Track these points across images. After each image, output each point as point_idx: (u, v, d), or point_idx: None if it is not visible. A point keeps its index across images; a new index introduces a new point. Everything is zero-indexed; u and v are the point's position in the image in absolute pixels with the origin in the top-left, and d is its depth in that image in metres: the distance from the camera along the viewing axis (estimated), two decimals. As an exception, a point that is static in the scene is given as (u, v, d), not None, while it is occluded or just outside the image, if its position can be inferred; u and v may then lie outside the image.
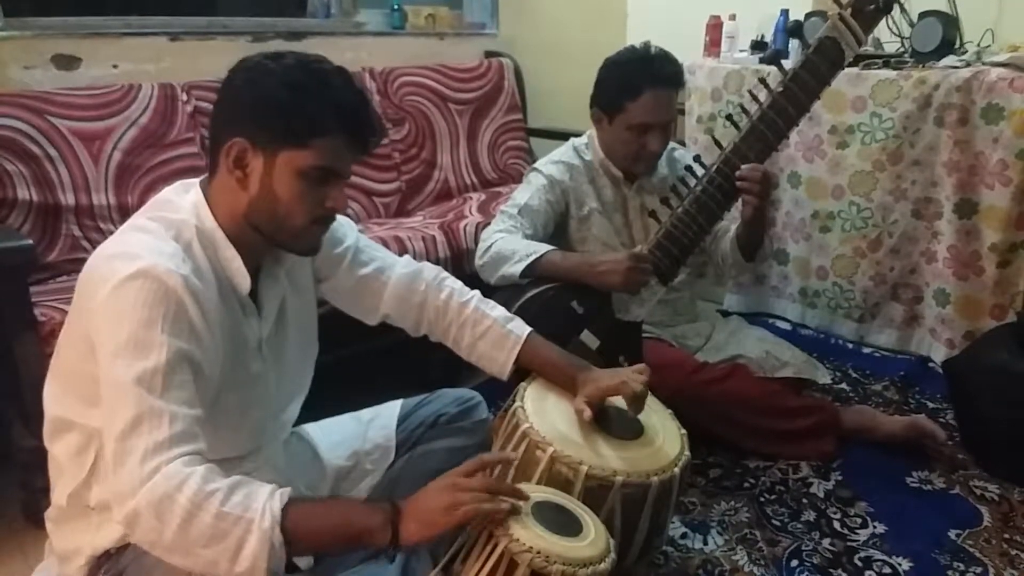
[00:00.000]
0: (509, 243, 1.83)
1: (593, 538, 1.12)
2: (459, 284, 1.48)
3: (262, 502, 0.98)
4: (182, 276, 1.07)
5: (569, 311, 1.79)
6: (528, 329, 1.44)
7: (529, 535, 1.06)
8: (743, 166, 1.75)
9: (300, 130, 1.12)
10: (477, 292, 1.48)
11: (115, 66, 2.39)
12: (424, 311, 1.45)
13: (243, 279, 1.18)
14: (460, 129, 3.12)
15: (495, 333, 1.42)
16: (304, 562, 1.29)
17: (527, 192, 1.99)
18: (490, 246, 1.85)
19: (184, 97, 2.36)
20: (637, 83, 1.88)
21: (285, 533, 0.98)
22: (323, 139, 1.13)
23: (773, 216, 2.82)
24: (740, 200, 1.81)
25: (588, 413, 1.33)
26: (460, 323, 1.43)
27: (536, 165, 2.08)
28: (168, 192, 1.21)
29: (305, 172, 1.14)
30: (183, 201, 1.18)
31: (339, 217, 1.43)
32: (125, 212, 2.17)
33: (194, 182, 1.21)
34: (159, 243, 1.10)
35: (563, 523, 1.12)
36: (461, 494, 1.05)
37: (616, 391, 1.36)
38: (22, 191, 2.02)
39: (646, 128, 1.92)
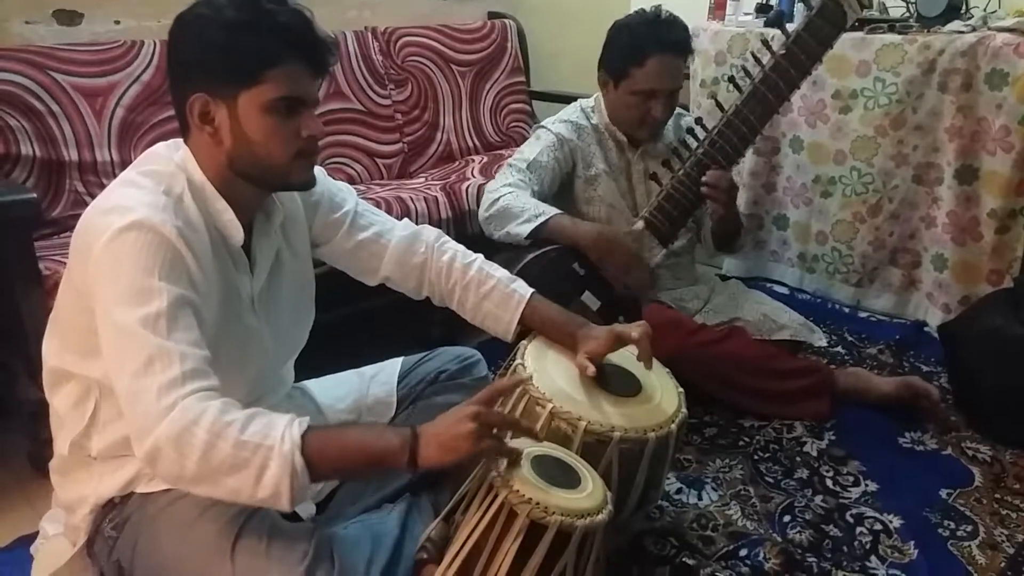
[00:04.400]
0: (518, 200, 1.82)
1: (591, 491, 1.14)
2: (461, 247, 1.49)
3: (281, 429, 1.01)
4: (176, 227, 1.08)
5: (571, 272, 1.80)
6: (531, 290, 1.46)
7: (528, 487, 1.09)
8: (709, 171, 1.75)
9: (250, 67, 1.11)
10: (480, 255, 1.49)
11: (117, 22, 2.38)
12: (425, 272, 1.45)
13: (236, 231, 1.19)
14: (463, 91, 3.10)
15: (499, 293, 1.43)
16: (306, 511, 1.32)
17: (536, 147, 1.98)
18: (497, 199, 1.84)
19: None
20: (643, 48, 1.87)
21: (306, 457, 1.00)
22: (275, 69, 1.12)
23: (773, 181, 2.82)
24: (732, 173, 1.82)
25: (591, 368, 1.35)
26: (464, 284, 1.44)
27: (544, 123, 2.07)
28: (158, 147, 1.22)
29: (270, 106, 1.13)
30: (173, 156, 1.19)
31: (339, 182, 1.45)
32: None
33: (182, 141, 1.22)
34: (151, 197, 1.10)
35: (562, 476, 1.15)
36: (483, 426, 1.07)
37: (615, 341, 1.38)
38: (25, 146, 2.02)
39: (651, 94, 1.91)
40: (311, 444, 1.01)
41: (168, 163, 1.17)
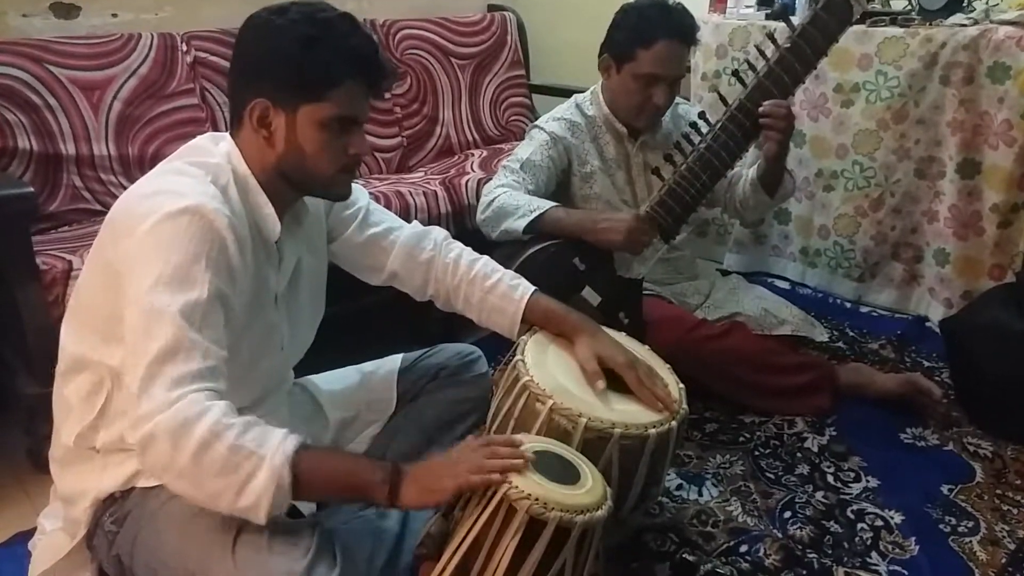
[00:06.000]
0: (512, 198, 1.83)
1: (591, 486, 1.14)
2: (468, 248, 1.49)
3: (276, 441, 1.01)
4: (227, 216, 1.10)
5: (571, 267, 1.80)
6: (533, 287, 1.45)
7: (528, 483, 1.08)
8: (766, 102, 1.73)
9: (316, 84, 1.15)
10: (486, 256, 1.49)
11: (114, 15, 2.37)
12: (432, 269, 1.46)
13: (274, 224, 1.21)
14: (462, 84, 3.09)
15: (504, 286, 1.44)
16: (307, 507, 1.32)
17: (529, 148, 1.98)
18: (492, 200, 1.84)
19: (184, 47, 2.33)
20: (652, 31, 1.86)
21: (293, 475, 1.00)
22: (339, 89, 1.16)
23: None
24: (761, 137, 1.79)
25: (602, 384, 1.34)
26: (470, 279, 1.44)
27: (538, 122, 2.07)
28: (201, 140, 1.24)
29: (326, 123, 1.17)
30: (217, 148, 1.21)
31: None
32: (125, 163, 2.16)
33: (224, 135, 1.24)
34: (202, 186, 1.12)
35: (561, 472, 1.14)
36: (461, 466, 1.09)
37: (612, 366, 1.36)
38: (22, 140, 2.00)
39: (654, 80, 1.90)
40: (301, 463, 1.02)
41: (214, 155, 1.19)
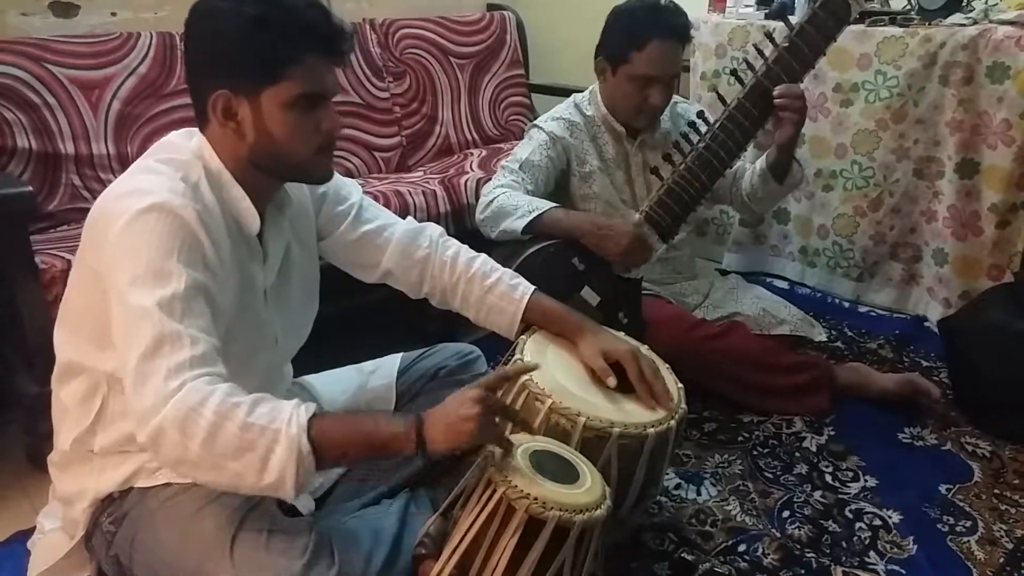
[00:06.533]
0: (512, 198, 1.83)
1: (589, 486, 1.14)
2: (464, 245, 1.48)
3: (288, 412, 0.99)
4: (195, 211, 1.08)
5: (570, 267, 1.80)
6: (533, 287, 1.45)
7: (527, 482, 1.08)
8: (780, 86, 1.72)
9: (274, 66, 1.11)
10: (483, 254, 1.48)
11: (113, 14, 2.37)
12: (428, 267, 1.45)
13: (252, 218, 1.19)
14: (461, 84, 3.09)
15: (504, 285, 1.43)
16: (305, 507, 1.32)
17: (528, 148, 1.98)
18: (492, 200, 1.84)
19: (183, 46, 2.32)
20: (644, 33, 1.86)
21: (312, 442, 0.98)
22: (298, 65, 1.12)
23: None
24: (775, 120, 1.79)
25: (613, 382, 1.34)
26: (469, 277, 1.43)
27: (537, 122, 2.07)
28: (173, 136, 1.22)
29: (292, 103, 1.13)
30: (188, 144, 1.19)
31: (344, 178, 1.44)
32: (125, 162, 2.16)
33: (195, 130, 1.22)
34: (171, 182, 1.11)
35: (560, 471, 1.15)
36: (487, 408, 1.07)
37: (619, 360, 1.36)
38: (22, 139, 2.01)
39: (650, 80, 1.90)
40: (317, 429, 0.99)
41: (184, 151, 1.17)
